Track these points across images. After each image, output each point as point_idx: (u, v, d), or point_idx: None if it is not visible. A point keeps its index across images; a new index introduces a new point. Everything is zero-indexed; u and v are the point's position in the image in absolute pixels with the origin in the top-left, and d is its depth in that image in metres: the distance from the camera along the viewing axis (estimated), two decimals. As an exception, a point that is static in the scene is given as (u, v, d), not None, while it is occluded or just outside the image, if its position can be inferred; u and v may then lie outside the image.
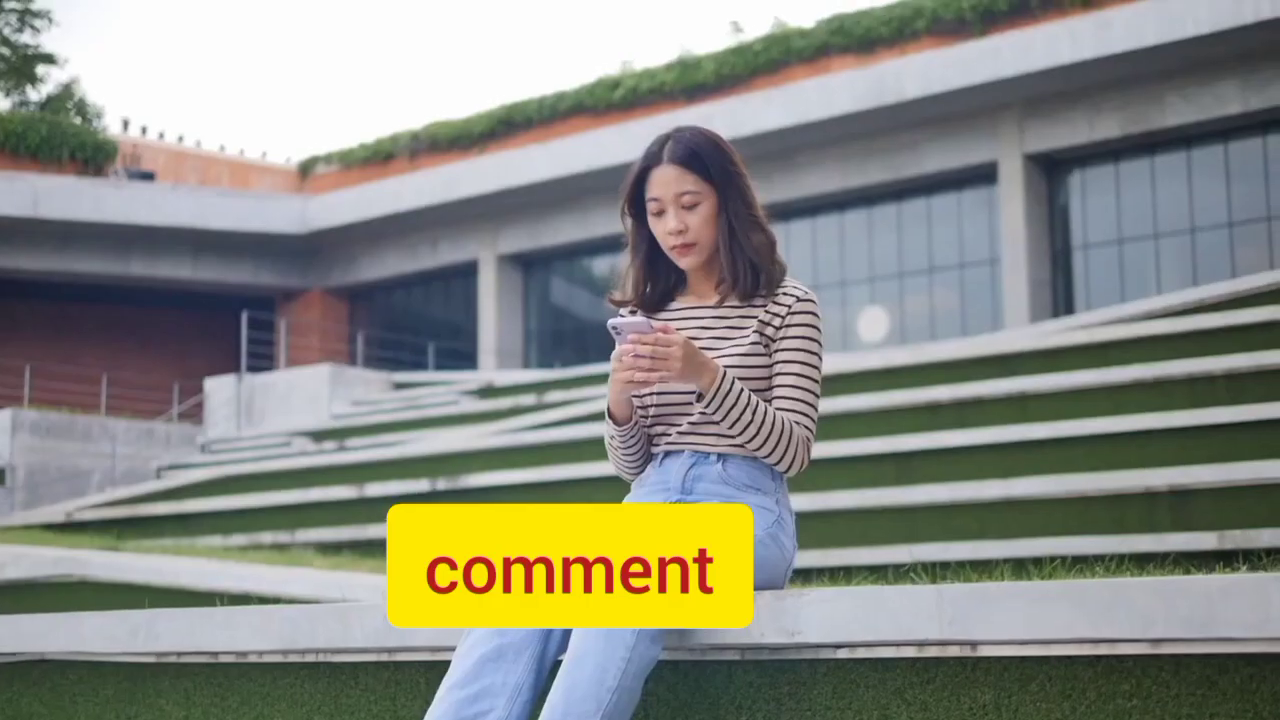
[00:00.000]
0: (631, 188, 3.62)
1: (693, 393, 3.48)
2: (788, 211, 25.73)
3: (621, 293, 3.73)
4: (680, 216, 3.53)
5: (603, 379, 18.48)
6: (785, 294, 3.55)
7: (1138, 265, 22.77)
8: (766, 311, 3.54)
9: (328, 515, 13.63)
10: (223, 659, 4.28)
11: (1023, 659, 2.88)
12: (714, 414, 3.39)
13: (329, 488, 14.14)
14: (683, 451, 3.54)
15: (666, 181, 3.53)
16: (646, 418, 3.59)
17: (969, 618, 2.87)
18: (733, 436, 3.45)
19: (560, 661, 3.30)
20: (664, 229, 3.56)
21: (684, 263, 3.59)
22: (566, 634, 3.27)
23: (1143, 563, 7.87)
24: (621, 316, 3.42)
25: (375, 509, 13.35)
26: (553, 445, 13.60)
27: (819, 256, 25.80)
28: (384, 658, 3.90)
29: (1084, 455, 9.92)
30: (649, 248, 3.66)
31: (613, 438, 3.60)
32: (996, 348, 12.31)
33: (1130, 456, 9.71)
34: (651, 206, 3.57)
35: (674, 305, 3.69)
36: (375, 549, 12.53)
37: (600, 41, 75.30)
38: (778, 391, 3.50)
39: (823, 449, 11.12)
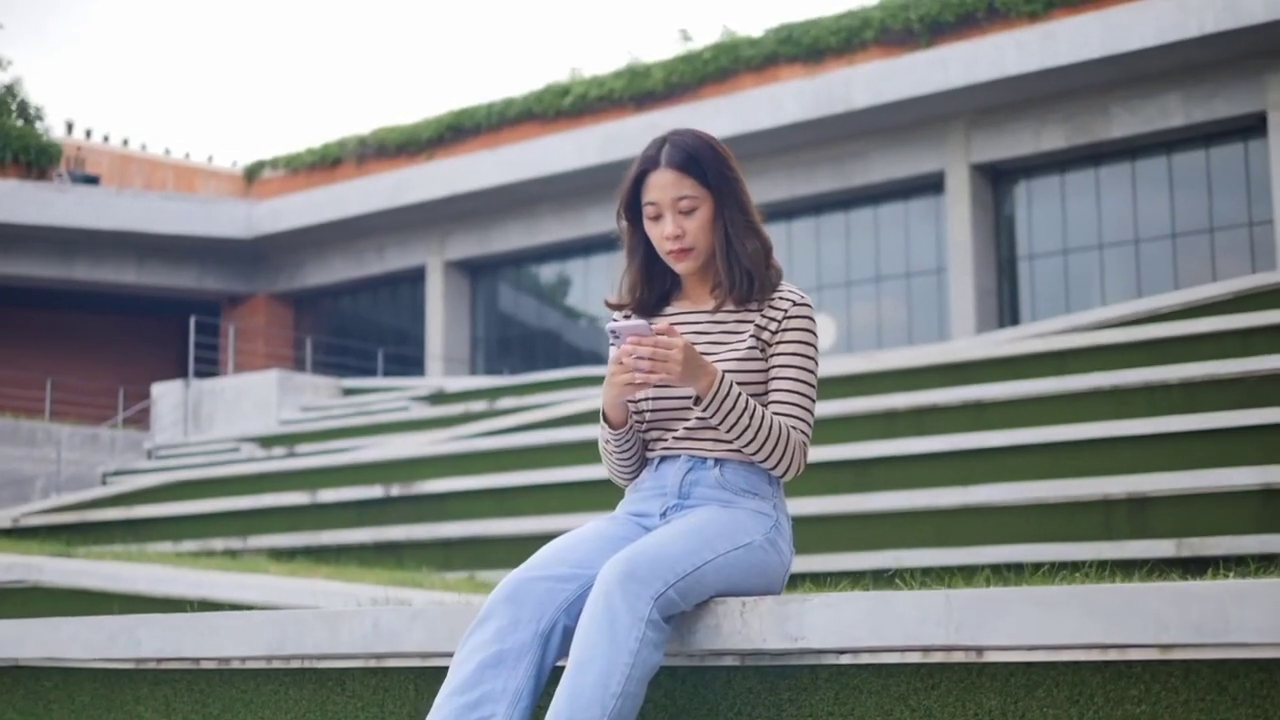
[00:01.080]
0: (628, 191, 3.60)
1: (689, 397, 3.47)
2: (736, 219, 25.73)
3: (617, 296, 3.71)
4: (677, 221, 3.52)
5: (554, 385, 18.47)
6: (781, 298, 3.55)
7: (1082, 275, 22.95)
8: (763, 316, 3.53)
9: (280, 521, 13.53)
10: (204, 665, 4.23)
11: (1029, 664, 2.87)
12: (711, 418, 3.38)
13: (281, 494, 14.05)
14: (679, 456, 3.52)
15: (664, 186, 3.52)
16: (642, 423, 3.57)
17: (978, 623, 2.87)
18: (730, 441, 3.44)
19: (558, 667, 3.30)
20: (660, 233, 3.55)
21: (680, 267, 3.58)
22: (566, 640, 3.26)
23: (1100, 570, 7.92)
24: (619, 320, 3.41)
25: (328, 515, 13.28)
26: (507, 451, 13.56)
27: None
28: (372, 664, 3.86)
29: (1041, 463, 9.97)
30: (645, 251, 3.64)
31: (608, 442, 3.57)
32: (953, 356, 12.37)
33: (1088, 464, 9.77)
34: (648, 210, 3.56)
35: (669, 310, 3.67)
36: (328, 555, 12.46)
37: (549, 48, 75.25)
38: (774, 396, 3.49)
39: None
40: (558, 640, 3.26)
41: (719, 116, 24.00)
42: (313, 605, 7.73)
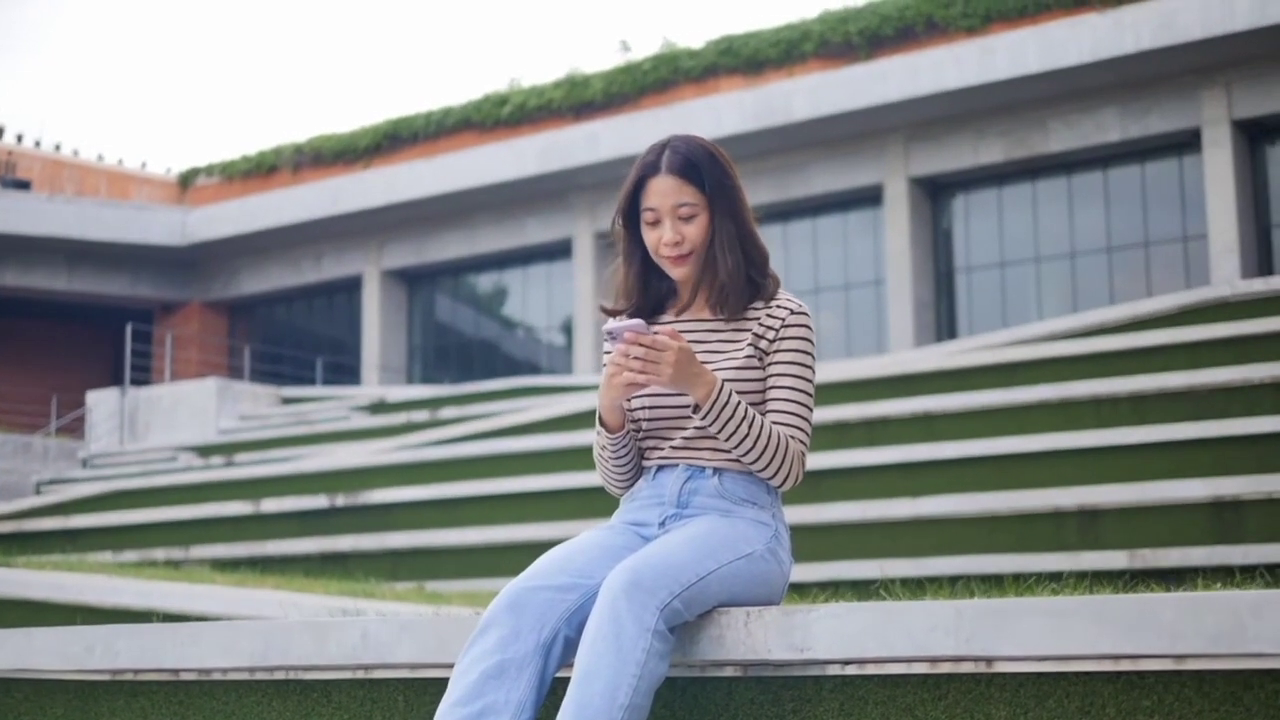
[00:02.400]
0: (628, 197, 3.59)
1: (686, 405, 3.46)
2: (674, 230, 25.75)
3: (613, 302, 3.69)
4: (676, 227, 3.52)
5: (496, 395, 18.42)
6: (779, 306, 3.55)
7: (1019, 289, 23.12)
8: (760, 324, 3.53)
9: (222, 531, 13.43)
10: (184, 676, 4.18)
11: (1039, 675, 2.87)
12: (711, 426, 3.36)
13: (223, 503, 13.94)
14: (677, 465, 3.50)
15: (664, 192, 3.52)
16: (638, 431, 3.55)
17: (988, 634, 2.86)
18: (728, 450, 3.43)
19: (558, 678, 3.28)
20: (659, 239, 3.54)
21: (676, 273, 3.57)
22: (567, 650, 3.23)
23: (1051, 581, 7.97)
24: (616, 321, 3.39)
25: (272, 525, 13.20)
26: (453, 461, 13.53)
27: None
28: (360, 675, 3.82)
29: (992, 474, 10.04)
30: (643, 256, 3.63)
31: (604, 448, 3.54)
32: (901, 368, 12.43)
33: (1038, 476, 9.85)
34: (647, 216, 3.55)
35: (665, 317, 3.65)
36: (273, 565, 12.38)
37: (488, 58, 75.06)
38: (772, 405, 3.48)
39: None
40: (559, 651, 3.23)
41: (659, 127, 23.99)
42: (266, 616, 7.66)
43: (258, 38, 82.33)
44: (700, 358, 3.48)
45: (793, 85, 23.19)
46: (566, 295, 27.12)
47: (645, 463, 3.58)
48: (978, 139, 22.67)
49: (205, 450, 19.24)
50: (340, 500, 12.98)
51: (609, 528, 3.53)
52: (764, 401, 3.50)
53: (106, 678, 4.33)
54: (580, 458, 12.65)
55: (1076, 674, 2.84)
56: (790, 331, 3.52)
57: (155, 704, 4.24)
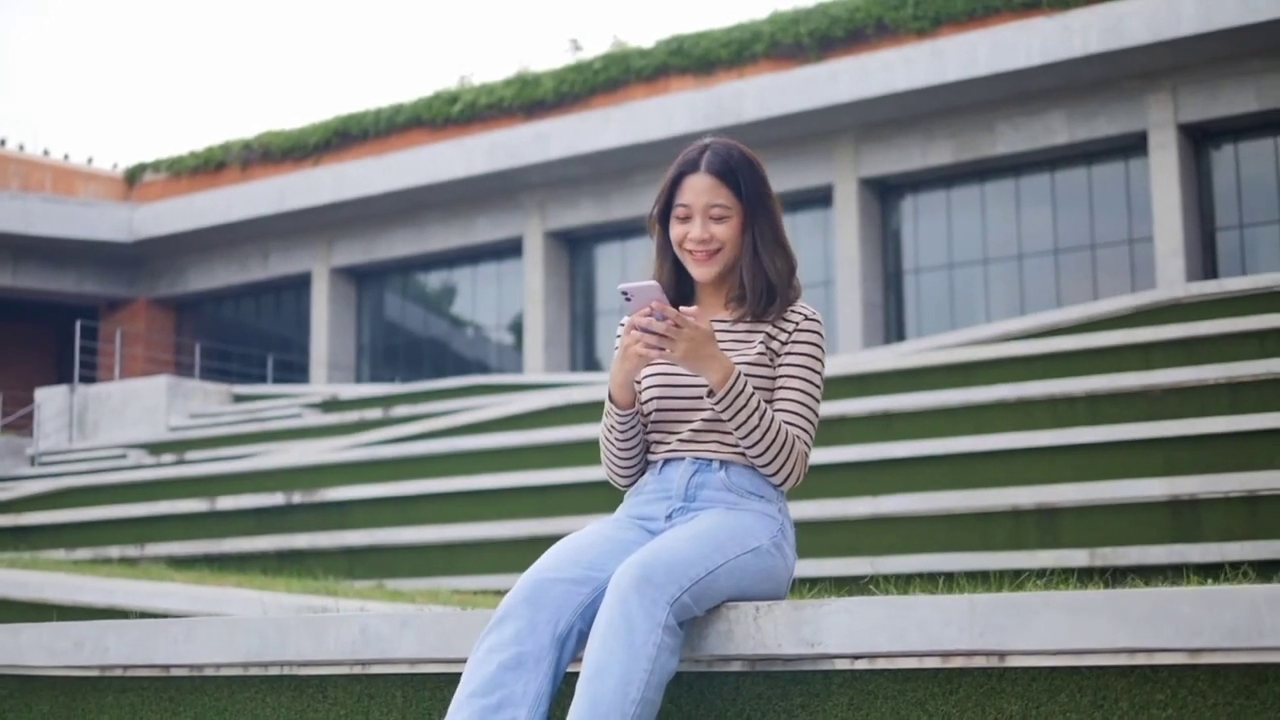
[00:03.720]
0: (667, 194, 3.62)
1: (696, 397, 3.49)
2: (625, 231, 25.85)
3: None
4: (707, 226, 3.56)
5: (449, 393, 18.39)
6: (794, 311, 3.59)
7: (967, 290, 23.27)
8: (774, 326, 3.56)
9: (177, 529, 13.36)
10: (175, 672, 4.17)
11: (1052, 669, 2.90)
12: (723, 411, 3.38)
13: (178, 501, 13.87)
14: (684, 459, 3.52)
15: (699, 190, 3.56)
16: (645, 424, 3.57)
17: (1002, 628, 2.90)
18: (735, 442, 3.46)
19: (569, 672, 3.30)
20: (686, 234, 3.58)
21: (699, 271, 3.60)
22: (579, 644, 3.26)
23: (1012, 579, 8.04)
24: (631, 282, 3.39)
25: (228, 522, 13.14)
26: (409, 459, 13.50)
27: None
28: (357, 670, 3.83)
29: (950, 473, 10.11)
30: (675, 254, 3.67)
31: (612, 428, 3.54)
32: (859, 367, 12.49)
33: (996, 475, 9.92)
34: (679, 211, 3.59)
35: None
36: (229, 563, 12.32)
37: (439, 55, 74.80)
38: (779, 404, 3.51)
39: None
40: (573, 644, 3.26)
41: (610, 126, 24.05)
42: (228, 613, 7.63)
43: (206, 33, 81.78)
44: None
45: (743, 86, 23.26)
46: (516, 294, 27.10)
47: (651, 457, 3.60)
48: (927, 141, 22.80)
49: (156, 448, 19.12)
50: (297, 498, 12.94)
51: (615, 521, 3.55)
52: (771, 401, 3.52)
53: (95, 673, 4.31)
54: (537, 455, 12.66)
55: (1089, 668, 2.87)
56: (802, 336, 3.56)
57: (145, 700, 4.23)
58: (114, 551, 13.17)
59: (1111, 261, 22.31)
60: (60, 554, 13.38)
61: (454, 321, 28.87)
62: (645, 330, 3.33)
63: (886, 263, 23.75)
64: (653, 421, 3.58)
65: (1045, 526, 9.35)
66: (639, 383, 3.58)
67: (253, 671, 4.02)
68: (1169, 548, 8.66)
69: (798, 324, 3.57)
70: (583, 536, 3.45)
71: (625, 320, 3.72)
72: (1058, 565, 8.71)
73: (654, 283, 3.35)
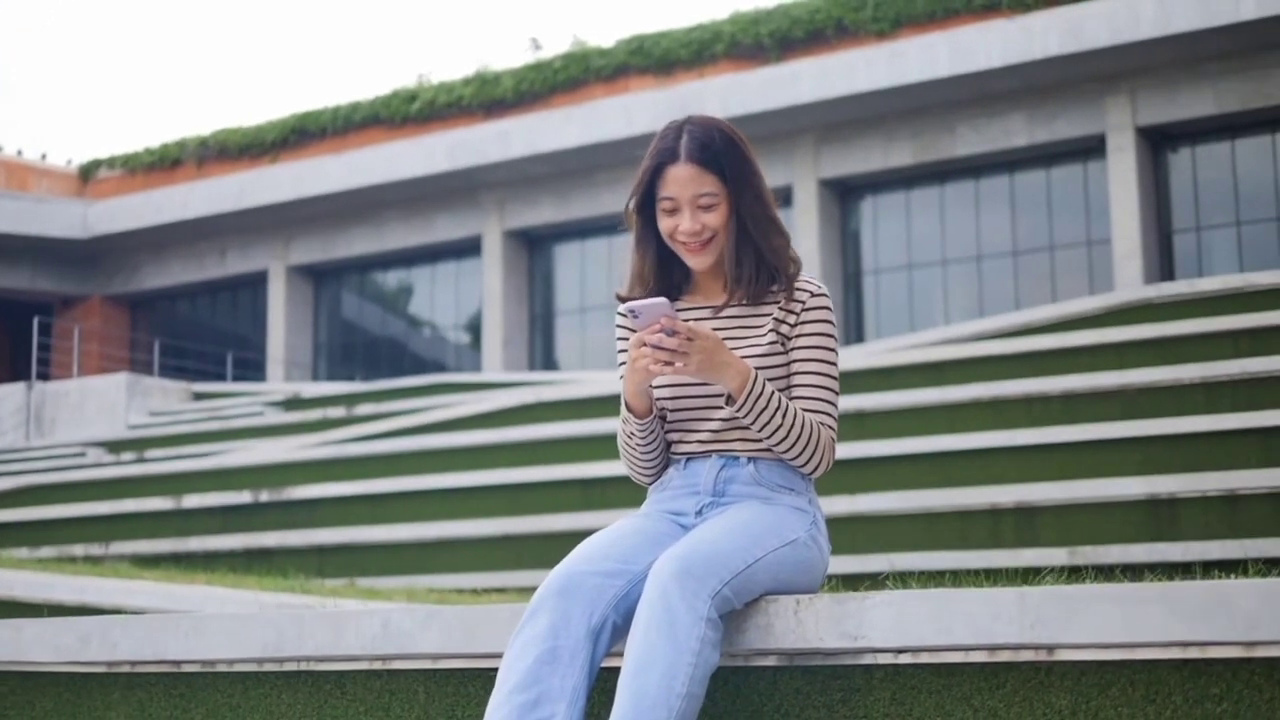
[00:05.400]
0: (645, 185, 3.50)
1: (713, 395, 3.42)
2: (585, 230, 25.81)
3: (627, 289, 3.61)
4: (697, 217, 3.44)
5: (414, 392, 18.30)
6: (800, 290, 3.49)
7: (926, 291, 23.34)
8: (780, 309, 3.48)
9: (143, 527, 13.21)
10: (186, 668, 4.10)
11: (1102, 663, 2.86)
12: (745, 417, 3.32)
13: (143, 499, 13.71)
14: (709, 456, 3.46)
15: (683, 181, 3.43)
16: (664, 422, 3.52)
17: (1053, 621, 2.86)
18: (760, 440, 3.41)
19: (605, 667, 3.26)
20: (676, 226, 3.46)
21: (695, 262, 3.50)
22: (614, 638, 3.21)
23: (992, 578, 8.04)
24: (636, 300, 3.30)
25: (194, 521, 13.01)
26: (377, 457, 13.41)
27: (614, 275, 25.90)
28: (377, 665, 3.77)
29: (927, 472, 10.09)
30: (659, 243, 3.55)
31: (631, 435, 3.47)
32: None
33: (973, 474, 9.91)
34: (664, 205, 3.46)
35: (680, 304, 3.59)
36: (197, 562, 12.20)
37: (398, 53, 74.48)
38: (798, 391, 3.43)
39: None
40: (608, 637, 3.20)
41: (570, 126, 24.00)
42: (195, 610, 7.55)
43: (161, 28, 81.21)
44: None
45: (703, 86, 23.26)
46: (475, 293, 27.00)
47: (673, 454, 3.54)
48: (887, 142, 22.85)
49: (115, 446, 18.93)
50: (264, 496, 12.82)
51: (645, 515, 3.49)
52: (788, 387, 3.46)
53: (102, 670, 4.24)
54: (509, 453, 12.60)
55: (1141, 662, 2.83)
56: (811, 315, 3.47)
57: (154, 696, 4.16)
58: (78, 550, 13.01)
59: (1070, 263, 22.42)
60: (24, 552, 13.21)
61: (412, 320, 28.76)
62: (656, 347, 3.26)
63: (846, 263, 23.79)
64: (671, 422, 3.51)
65: (1024, 525, 9.35)
66: (651, 387, 3.49)
67: (267, 667, 3.95)
68: (1150, 546, 8.67)
69: (805, 303, 3.47)
70: (613, 530, 3.40)
71: (620, 319, 3.63)
72: (1039, 564, 8.73)
73: (662, 299, 3.25)
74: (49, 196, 29.60)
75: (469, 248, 26.87)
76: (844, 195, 23.79)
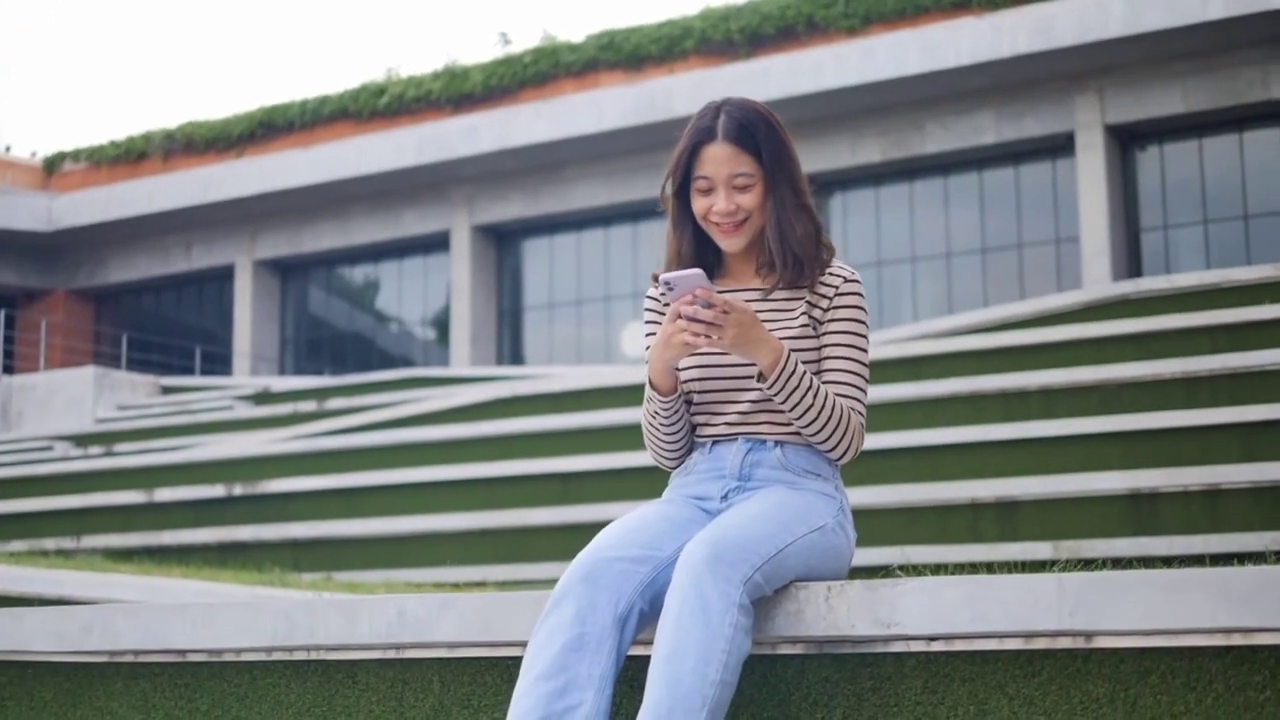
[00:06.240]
0: (683, 164, 3.47)
1: (741, 377, 3.39)
2: (554, 225, 25.75)
3: (666, 269, 3.57)
4: (731, 197, 3.42)
5: (385, 386, 18.24)
6: (832, 274, 3.47)
7: (895, 287, 23.37)
8: (813, 293, 3.45)
9: (115, 521, 13.11)
10: (191, 658, 4.04)
11: (1141, 650, 2.83)
12: (776, 396, 3.28)
13: (114, 493, 13.62)
14: (735, 439, 3.42)
15: (719, 161, 3.41)
16: (689, 404, 3.47)
17: (1093, 608, 2.83)
18: (788, 422, 3.37)
19: (632, 655, 3.22)
20: (710, 207, 3.44)
21: (728, 243, 3.48)
22: (640, 624, 3.16)
23: (974, 571, 8.04)
24: (672, 272, 3.27)
25: (167, 515, 12.92)
26: (351, 451, 13.35)
27: (584, 271, 25.87)
28: (390, 654, 3.71)
29: (906, 466, 10.08)
30: (696, 224, 3.52)
31: (656, 414, 3.42)
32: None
33: (952, 468, 9.92)
34: (700, 184, 3.44)
35: (714, 287, 3.56)
36: (170, 555, 12.11)
37: (366, 47, 74.22)
38: (828, 376, 3.40)
39: (636, 459, 11.13)
40: (634, 624, 3.16)
41: (539, 121, 23.94)
42: (183, 603, 7.48)
43: (128, 21, 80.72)
44: None
45: (674, 82, 23.23)
46: (443, 289, 26.91)
47: (698, 437, 3.49)
48: (856, 139, 22.87)
49: (83, 440, 18.78)
50: (237, 490, 12.74)
51: (668, 501, 3.45)
52: (819, 372, 3.42)
53: (104, 659, 4.17)
54: (484, 448, 12.56)
55: (1181, 649, 2.80)
56: (844, 300, 3.45)
57: (158, 686, 4.09)
58: (49, 544, 12.90)
59: (1038, 261, 22.48)
60: (-7, 546, 13.11)
61: (379, 316, 28.66)
62: (692, 319, 3.23)
63: (817, 260, 23.79)
64: (696, 404, 3.47)
65: (1005, 519, 9.35)
66: (678, 367, 3.47)
67: (277, 656, 3.89)
68: (1133, 540, 8.68)
69: (838, 288, 3.45)
70: (637, 515, 3.35)
71: (650, 302, 3.62)
72: (1023, 558, 8.73)
73: (698, 270, 3.22)
74: (13, 189, 29.36)
75: (437, 243, 26.79)
76: (813, 192, 23.73)
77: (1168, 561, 8.38)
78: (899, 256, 23.41)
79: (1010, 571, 6.54)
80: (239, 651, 3.95)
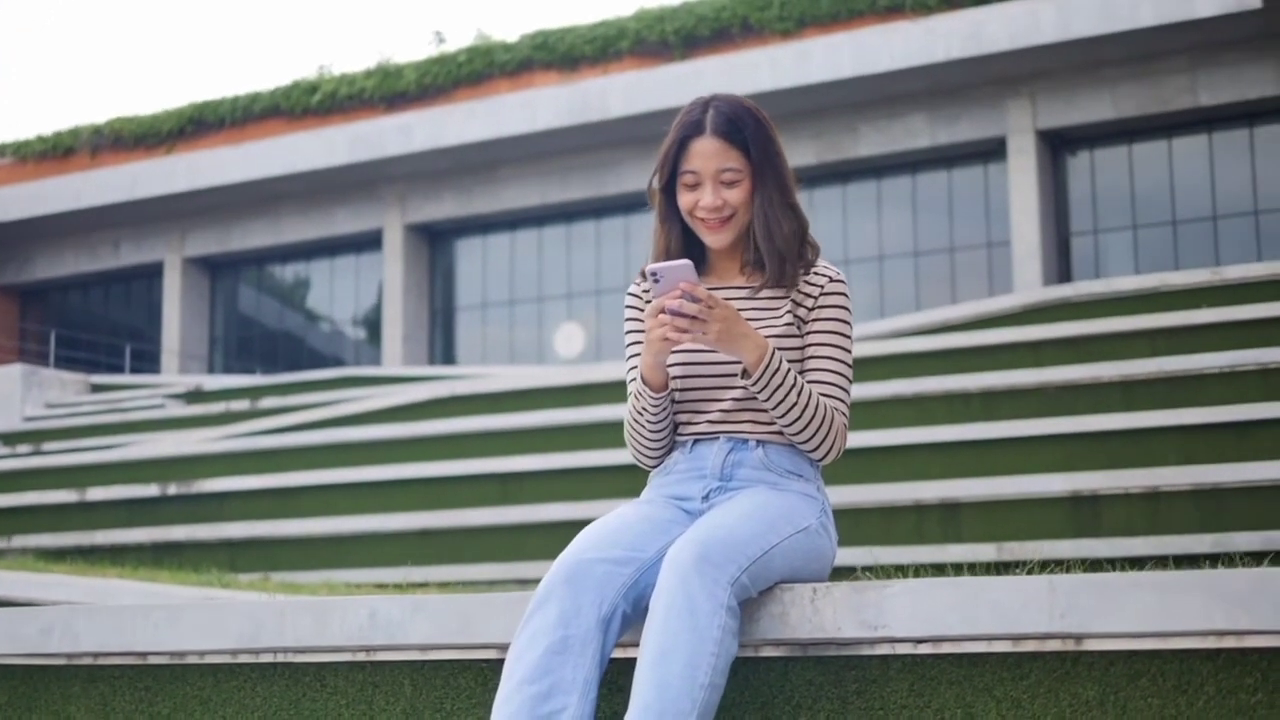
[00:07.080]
0: (671, 158, 3.45)
1: (723, 375, 3.37)
2: (487, 225, 25.66)
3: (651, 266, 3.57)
4: (718, 192, 3.40)
5: (318, 385, 18.09)
6: (817, 273, 3.45)
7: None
8: (798, 291, 3.43)
9: (46, 520, 12.94)
10: (153, 660, 3.96)
11: (1131, 653, 2.82)
12: (759, 392, 3.26)
13: (45, 491, 13.44)
14: (717, 438, 3.40)
15: (707, 155, 3.39)
16: (674, 401, 3.45)
17: (1084, 610, 2.81)
18: (771, 422, 3.35)
19: (615, 658, 3.18)
20: (697, 201, 3.42)
21: (712, 239, 3.46)
22: (624, 626, 3.13)
23: (918, 574, 8.06)
24: (659, 263, 3.24)
25: (100, 514, 12.76)
26: (286, 451, 13.23)
27: (516, 271, 25.79)
28: (360, 657, 3.65)
29: (850, 468, 10.08)
30: (684, 223, 3.50)
31: (644, 410, 3.38)
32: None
33: (896, 470, 9.94)
34: (686, 178, 3.42)
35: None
36: (103, 555, 11.95)
37: (298, 44, 73.72)
38: (811, 375, 3.38)
39: (575, 460, 11.11)
40: (618, 626, 3.12)
41: (473, 120, 23.86)
42: (147, 604, 7.38)
43: (55, 14, 79.79)
44: None
45: (608, 82, 23.21)
46: (375, 288, 26.76)
47: (679, 436, 3.46)
48: (790, 141, 22.52)
49: (11, 438, 18.51)
50: (172, 489, 12.60)
51: (648, 501, 3.41)
52: (802, 371, 3.40)
53: (61, 662, 4.09)
54: (423, 447, 12.48)
55: (1171, 651, 2.79)
56: (829, 300, 3.43)
57: (117, 690, 4.01)
58: (-23, 543, 12.74)
59: (970, 264, 22.62)
60: (-80, 546, 12.90)
61: (310, 315, 28.46)
62: (676, 313, 3.21)
63: (748, 261, 23.84)
64: (678, 401, 3.44)
65: (949, 521, 9.38)
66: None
67: (242, 659, 3.82)
68: (1075, 542, 8.73)
69: (823, 288, 3.43)
70: (617, 516, 3.31)
71: (631, 299, 3.60)
72: (967, 559, 8.76)
73: (686, 261, 3.19)
74: (-64, 183, 29.00)
75: (369, 242, 26.64)
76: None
77: (1111, 564, 8.45)
78: (832, 259, 23.41)
79: (957, 574, 6.55)
80: (203, 654, 3.88)
